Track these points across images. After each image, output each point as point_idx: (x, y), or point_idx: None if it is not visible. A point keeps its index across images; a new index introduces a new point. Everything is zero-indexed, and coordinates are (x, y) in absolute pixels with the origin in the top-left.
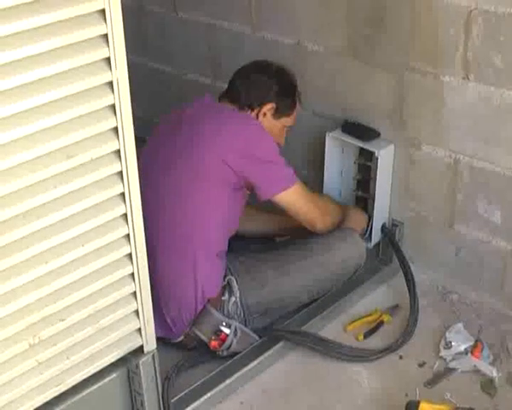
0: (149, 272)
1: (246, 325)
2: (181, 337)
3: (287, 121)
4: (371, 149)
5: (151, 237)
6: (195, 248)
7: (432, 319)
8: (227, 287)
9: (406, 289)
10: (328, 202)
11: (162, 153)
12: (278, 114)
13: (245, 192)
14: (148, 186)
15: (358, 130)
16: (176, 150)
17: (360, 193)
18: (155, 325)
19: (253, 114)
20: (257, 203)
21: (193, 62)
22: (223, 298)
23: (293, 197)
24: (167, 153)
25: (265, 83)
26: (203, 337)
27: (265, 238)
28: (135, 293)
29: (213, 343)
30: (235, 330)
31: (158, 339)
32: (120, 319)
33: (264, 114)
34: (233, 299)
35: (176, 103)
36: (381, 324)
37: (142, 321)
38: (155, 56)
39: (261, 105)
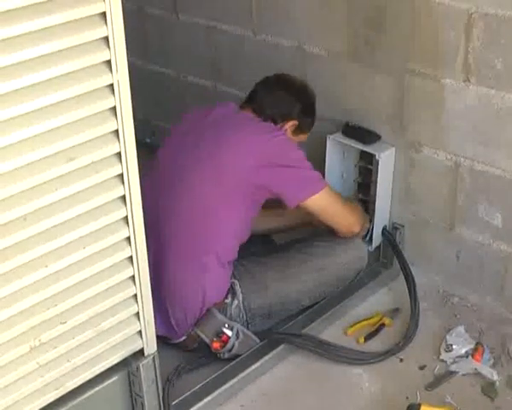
0: (158, 272)
1: (248, 328)
2: (183, 338)
3: (303, 138)
4: (372, 151)
5: (163, 237)
6: (209, 254)
7: (432, 322)
8: (230, 290)
9: (407, 292)
10: (357, 206)
11: (182, 156)
12: (298, 131)
13: (260, 203)
14: (164, 188)
15: (359, 133)
16: (198, 155)
17: (361, 196)
18: (158, 324)
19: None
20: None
21: (193, 65)
22: (226, 301)
23: (322, 202)
24: (188, 156)
25: (290, 100)
26: (205, 338)
27: (264, 239)
28: (135, 296)
29: (215, 345)
30: (237, 332)
31: (159, 340)
32: (121, 321)
33: (286, 130)
34: (236, 302)
35: (176, 106)
36: (381, 327)
37: (142, 324)
38: (156, 59)
39: (284, 121)
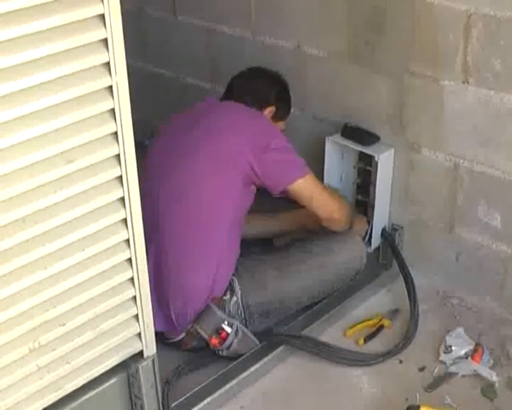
0: (160, 265)
1: (246, 326)
2: (182, 335)
3: (281, 125)
4: (371, 153)
5: (163, 230)
6: (215, 245)
7: (432, 324)
8: (229, 287)
9: (406, 293)
10: (341, 197)
11: (176, 148)
12: (277, 117)
13: (252, 190)
14: (162, 182)
15: (358, 134)
16: (193, 144)
17: (360, 197)
18: (158, 320)
19: None
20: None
21: (193, 66)
22: (224, 298)
23: (307, 187)
24: (182, 147)
25: (266, 86)
26: (204, 335)
27: (264, 240)
28: (134, 298)
29: (214, 341)
30: (237, 329)
31: (157, 339)
32: (120, 323)
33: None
34: (234, 299)
35: (175, 107)
36: (381, 328)
37: (141, 326)
38: (155, 60)
39: (262, 108)
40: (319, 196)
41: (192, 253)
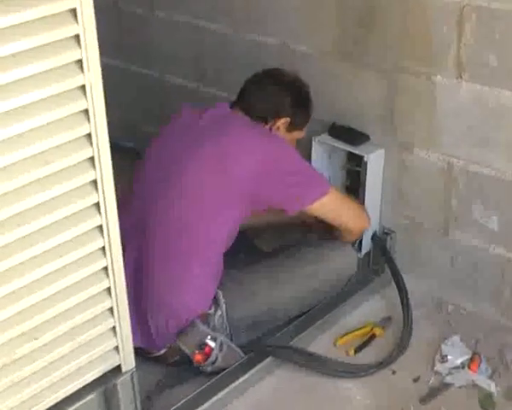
0: (140, 278)
1: (232, 340)
2: (163, 350)
3: (299, 134)
4: (360, 153)
5: (148, 242)
6: (196, 261)
7: (426, 332)
8: (213, 300)
9: (399, 300)
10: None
11: (175, 158)
12: (292, 127)
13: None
14: (155, 190)
15: (347, 133)
16: (196, 159)
17: None
18: (137, 335)
19: (267, 127)
20: None
21: (175, 65)
22: (209, 311)
23: (328, 205)
24: (183, 159)
25: (280, 95)
26: (186, 350)
27: (251, 247)
28: (111, 309)
29: (197, 357)
30: (221, 344)
31: (137, 353)
32: (96, 336)
33: (278, 128)
34: (219, 312)
35: (158, 108)
36: (372, 337)
37: (119, 338)
38: (136, 59)
39: (275, 118)
40: (343, 211)
41: (179, 271)
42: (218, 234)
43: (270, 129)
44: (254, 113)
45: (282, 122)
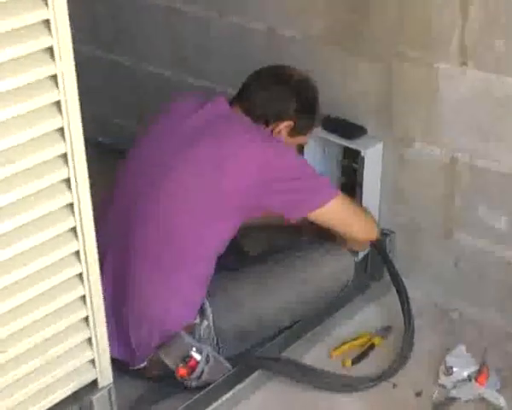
0: (120, 286)
1: (219, 352)
2: (144, 363)
3: (302, 140)
4: (356, 148)
5: (131, 246)
6: (186, 269)
7: (429, 341)
8: (199, 309)
9: (399, 307)
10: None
11: (165, 158)
12: (295, 132)
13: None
14: (141, 191)
15: (342, 126)
16: (191, 161)
17: None
18: (116, 346)
19: (268, 129)
20: None
21: (153, 53)
22: (194, 322)
23: (333, 212)
24: (175, 160)
25: (285, 98)
26: (169, 363)
27: (238, 251)
28: (87, 319)
29: (181, 371)
30: (207, 356)
31: (116, 366)
32: (70, 349)
33: (280, 132)
34: (205, 323)
35: (133, 100)
36: (371, 348)
37: (95, 351)
38: (109, 46)
39: (278, 121)
40: (350, 220)
41: (162, 279)
42: (208, 244)
43: (272, 132)
44: (255, 113)
45: (284, 126)
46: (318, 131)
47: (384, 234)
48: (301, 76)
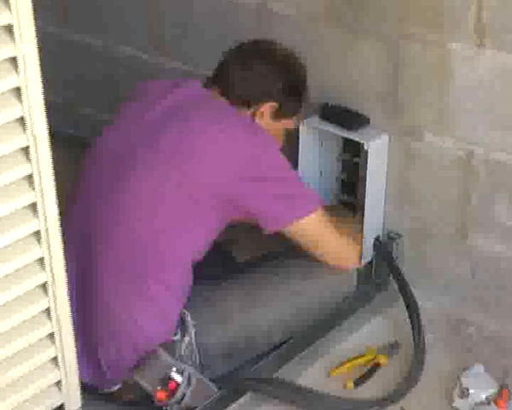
0: (85, 299)
1: (203, 373)
2: (117, 386)
3: (287, 124)
4: (359, 140)
5: (95, 253)
6: (158, 279)
7: (442, 360)
8: (179, 324)
9: (408, 320)
10: (352, 227)
11: (130, 152)
12: (278, 115)
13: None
14: (104, 192)
15: (342, 116)
16: (156, 153)
17: (345, 198)
18: (85, 369)
19: (249, 112)
20: None
21: (127, 33)
22: (174, 338)
23: (311, 229)
24: (140, 154)
25: (268, 76)
26: (146, 386)
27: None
28: (52, 335)
29: (160, 394)
30: (189, 377)
31: (86, 390)
32: (33, 369)
33: (262, 114)
34: (187, 339)
35: (106, 86)
36: (375, 367)
37: (62, 371)
38: (79, 26)
39: (259, 103)
40: (326, 240)
41: (132, 291)
42: (181, 249)
43: (253, 115)
44: (234, 94)
45: (266, 108)
46: (314, 121)
47: (390, 238)
48: (287, 51)
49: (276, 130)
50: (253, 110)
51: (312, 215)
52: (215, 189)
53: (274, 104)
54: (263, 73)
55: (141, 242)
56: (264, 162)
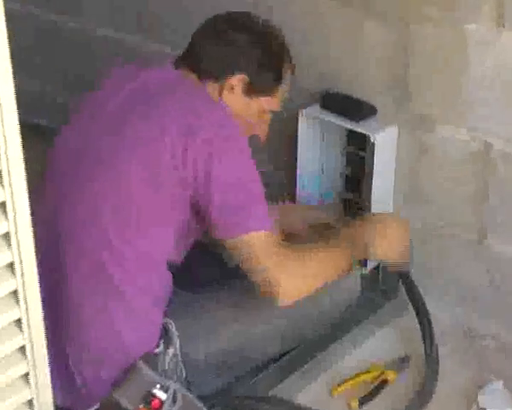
0: (56, 311)
1: (190, 390)
2: (95, 407)
3: (268, 103)
4: (364, 131)
5: (60, 259)
6: (132, 284)
7: (457, 375)
8: (163, 334)
9: (419, 332)
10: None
11: (93, 144)
12: (252, 90)
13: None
14: (68, 190)
15: (345, 105)
16: (119, 142)
17: (349, 195)
18: (58, 389)
19: (217, 87)
20: None
21: (109, 13)
22: (157, 350)
23: (252, 246)
24: (104, 144)
25: (237, 46)
26: (127, 406)
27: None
28: (23, 348)
29: None
30: (175, 394)
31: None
32: (4, 387)
33: (232, 89)
34: (171, 351)
35: (83, 73)
36: (383, 384)
37: (34, 389)
38: (53, 6)
39: (227, 76)
40: (263, 265)
41: (105, 299)
42: (152, 245)
43: (221, 90)
44: (201, 68)
45: (235, 80)
46: (315, 111)
47: None
48: (266, 23)
49: (254, 111)
50: (220, 85)
51: (262, 232)
52: (176, 173)
53: (243, 76)
54: (232, 43)
55: (109, 246)
56: (230, 153)
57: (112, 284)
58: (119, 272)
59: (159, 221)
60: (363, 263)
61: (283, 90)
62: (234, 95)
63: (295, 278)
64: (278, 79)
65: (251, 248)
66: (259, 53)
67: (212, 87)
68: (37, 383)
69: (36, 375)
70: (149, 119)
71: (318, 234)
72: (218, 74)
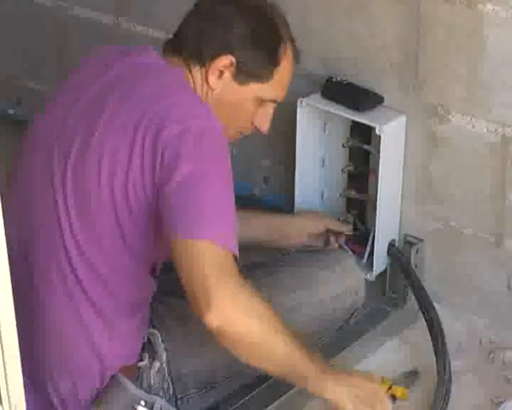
0: (32, 322)
1: (177, 407)
2: None
3: (263, 91)
4: (370, 123)
5: (30, 266)
6: (107, 292)
7: (472, 392)
8: (147, 346)
9: (430, 344)
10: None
11: (65, 138)
12: (243, 75)
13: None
14: (39, 190)
15: (349, 93)
16: (92, 147)
17: (354, 194)
18: (31, 406)
19: (202, 71)
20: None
21: None
22: (140, 364)
23: (206, 255)
24: (78, 137)
25: (221, 17)
26: None
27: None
28: None
29: None
30: None
31: None
32: None
33: (220, 75)
34: (157, 365)
35: (56, 57)
36: (392, 400)
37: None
38: None
39: (211, 57)
40: (200, 273)
41: (80, 309)
42: (129, 257)
43: (207, 75)
44: (186, 50)
45: (221, 62)
46: (315, 100)
47: (408, 243)
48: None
49: (248, 101)
50: (206, 70)
51: (216, 245)
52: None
53: (230, 58)
54: (217, 17)
55: (79, 250)
56: (209, 160)
57: (90, 299)
58: (89, 278)
59: (128, 218)
60: (368, 267)
61: (283, 75)
62: (223, 81)
63: (234, 305)
64: (274, 60)
65: (205, 258)
66: (249, 28)
67: (197, 73)
68: (5, 372)
69: (4, 365)
70: (122, 112)
71: None
72: (201, 55)
